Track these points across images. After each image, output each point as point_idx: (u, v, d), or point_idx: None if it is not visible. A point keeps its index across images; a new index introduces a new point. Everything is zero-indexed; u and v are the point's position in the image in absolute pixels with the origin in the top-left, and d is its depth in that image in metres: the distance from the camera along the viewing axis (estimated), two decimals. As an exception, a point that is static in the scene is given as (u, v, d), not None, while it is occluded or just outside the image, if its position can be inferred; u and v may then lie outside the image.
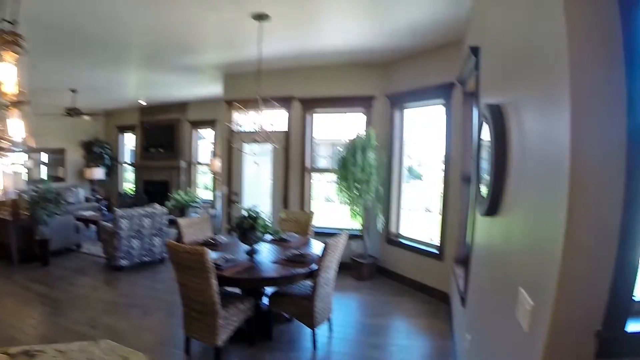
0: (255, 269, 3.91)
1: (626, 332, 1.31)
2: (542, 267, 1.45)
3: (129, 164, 12.23)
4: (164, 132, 10.85)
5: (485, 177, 2.39)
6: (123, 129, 12.01)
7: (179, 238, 4.82)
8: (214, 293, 3.44)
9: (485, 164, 2.43)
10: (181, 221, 4.89)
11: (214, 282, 3.42)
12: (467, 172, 4.47)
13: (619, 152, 1.24)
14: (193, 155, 10.72)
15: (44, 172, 11.31)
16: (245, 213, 4.24)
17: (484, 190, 2.45)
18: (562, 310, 1.32)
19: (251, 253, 4.25)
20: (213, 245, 4.57)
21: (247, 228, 4.12)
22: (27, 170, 10.62)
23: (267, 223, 4.25)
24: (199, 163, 10.80)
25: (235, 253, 4.29)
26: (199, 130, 10.69)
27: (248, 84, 4.96)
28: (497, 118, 2.21)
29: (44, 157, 11.31)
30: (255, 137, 4.48)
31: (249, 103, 4.56)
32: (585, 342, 1.32)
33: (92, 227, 8.40)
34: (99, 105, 10.52)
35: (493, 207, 2.24)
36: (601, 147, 1.27)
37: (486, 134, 2.36)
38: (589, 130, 1.27)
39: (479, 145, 2.71)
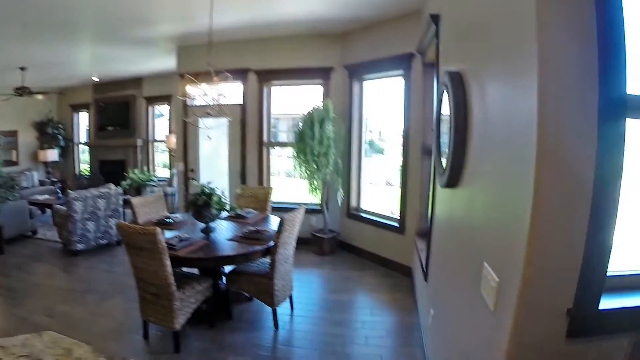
0: (211, 248, 3.78)
1: (599, 310, 1.24)
2: (508, 242, 1.36)
3: (84, 144, 11.75)
4: (119, 110, 10.45)
5: (446, 148, 2.31)
6: (77, 107, 11.48)
7: (135, 218, 4.63)
8: (168, 275, 3.30)
9: (446, 135, 2.35)
10: (134, 200, 4.70)
11: (167, 263, 3.28)
12: (428, 145, 4.42)
13: (591, 121, 1.16)
14: (150, 132, 10.38)
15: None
16: (199, 190, 4.09)
17: (444, 161, 2.36)
18: (530, 287, 1.24)
19: (207, 231, 4.11)
20: (168, 224, 4.41)
21: (201, 205, 3.97)
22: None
23: (222, 199, 4.10)
24: (156, 140, 10.48)
25: (191, 232, 4.15)
26: (155, 106, 10.32)
27: (202, 56, 4.77)
28: (458, 85, 2.13)
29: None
30: (208, 110, 4.30)
31: (203, 75, 4.38)
32: (556, 321, 1.24)
33: (48, 211, 8.08)
34: (50, 83, 10.04)
35: (453, 178, 2.16)
36: (571, 117, 1.18)
37: (446, 104, 2.28)
38: (558, 98, 1.18)
39: (439, 116, 2.62)
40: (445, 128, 2.42)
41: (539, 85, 1.17)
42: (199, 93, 4.22)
